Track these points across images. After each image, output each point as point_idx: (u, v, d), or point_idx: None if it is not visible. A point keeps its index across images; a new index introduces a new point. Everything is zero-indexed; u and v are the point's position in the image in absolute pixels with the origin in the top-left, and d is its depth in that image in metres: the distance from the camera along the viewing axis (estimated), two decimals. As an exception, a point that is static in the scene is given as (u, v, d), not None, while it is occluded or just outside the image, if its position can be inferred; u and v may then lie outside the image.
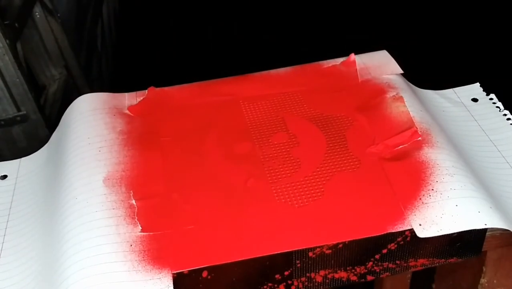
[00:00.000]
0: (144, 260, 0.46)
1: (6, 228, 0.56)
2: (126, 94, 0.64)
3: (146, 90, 0.64)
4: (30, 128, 1.04)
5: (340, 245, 0.47)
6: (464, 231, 0.48)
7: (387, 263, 0.49)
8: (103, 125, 0.59)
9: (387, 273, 0.50)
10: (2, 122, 1.02)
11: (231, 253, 0.46)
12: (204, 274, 0.46)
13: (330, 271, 0.48)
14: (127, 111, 0.61)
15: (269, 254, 0.46)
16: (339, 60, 0.68)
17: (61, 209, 0.52)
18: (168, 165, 0.55)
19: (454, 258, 0.50)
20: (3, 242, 0.55)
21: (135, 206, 0.51)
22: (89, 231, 0.48)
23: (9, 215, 0.58)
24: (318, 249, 0.47)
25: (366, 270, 0.49)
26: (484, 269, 0.57)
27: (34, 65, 1.20)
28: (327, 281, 0.49)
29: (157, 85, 0.65)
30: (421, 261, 0.50)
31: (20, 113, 1.03)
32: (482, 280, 0.58)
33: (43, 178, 0.60)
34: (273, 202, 0.51)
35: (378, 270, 0.49)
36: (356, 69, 0.66)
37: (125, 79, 1.65)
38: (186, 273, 0.45)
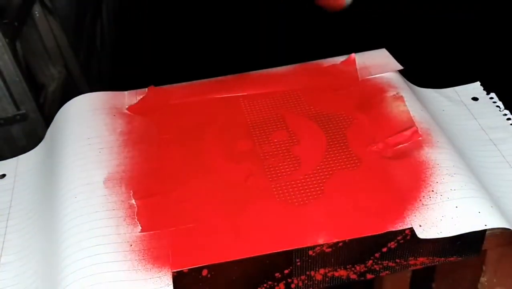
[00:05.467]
0: (144, 259, 0.46)
1: (6, 227, 0.56)
2: (125, 93, 0.64)
3: (146, 89, 0.64)
4: (30, 127, 1.04)
5: (340, 244, 0.47)
6: None
7: (387, 261, 0.49)
8: (103, 126, 0.59)
9: (387, 272, 0.50)
10: (2, 122, 1.02)
11: (231, 251, 0.46)
12: (204, 272, 0.46)
13: (330, 269, 0.48)
14: (126, 111, 0.61)
15: (269, 252, 0.46)
16: (339, 59, 0.67)
17: (62, 209, 0.52)
18: (168, 163, 0.55)
19: (454, 257, 0.50)
20: (3, 241, 0.55)
21: (135, 205, 0.50)
22: (89, 231, 0.48)
23: (9, 214, 0.58)
24: (318, 248, 0.47)
25: (366, 269, 0.49)
26: (484, 268, 0.57)
27: (33, 64, 1.20)
28: (326, 279, 0.49)
29: (157, 85, 0.65)
30: (421, 259, 0.50)
31: (20, 112, 1.03)
32: (482, 279, 0.58)
33: (42, 176, 0.60)
34: (273, 200, 0.51)
35: (378, 269, 0.49)
36: (356, 68, 0.66)
37: (124, 79, 1.65)
38: (186, 272, 0.45)
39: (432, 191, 0.50)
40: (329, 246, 0.47)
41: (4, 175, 0.62)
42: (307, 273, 0.48)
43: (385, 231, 0.47)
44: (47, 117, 1.09)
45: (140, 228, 0.49)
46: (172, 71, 1.68)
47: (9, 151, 1.04)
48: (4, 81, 1.00)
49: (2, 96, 1.01)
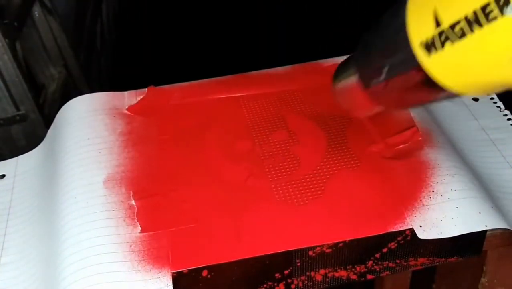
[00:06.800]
0: (143, 259, 0.46)
1: (6, 228, 0.56)
2: (125, 93, 0.63)
3: (146, 89, 0.63)
4: (30, 127, 1.04)
5: (341, 244, 0.47)
6: None
7: (387, 262, 0.49)
8: (103, 126, 0.59)
9: (387, 272, 0.50)
10: (2, 122, 1.02)
11: (231, 252, 0.46)
12: (204, 273, 0.45)
13: (330, 270, 0.48)
14: (126, 111, 0.61)
15: (269, 253, 0.46)
16: (340, 59, 0.67)
17: (62, 209, 0.52)
18: (168, 164, 0.55)
19: (455, 257, 0.50)
20: (3, 242, 0.55)
21: (135, 206, 0.50)
22: (88, 231, 0.48)
23: (8, 214, 0.57)
24: (318, 248, 0.47)
25: (366, 269, 0.49)
26: (484, 269, 0.57)
27: (33, 64, 1.20)
28: (327, 279, 0.49)
29: (157, 85, 0.64)
30: (421, 260, 0.50)
31: (20, 112, 1.03)
32: (483, 280, 0.58)
33: (42, 176, 0.60)
34: (273, 200, 0.50)
35: (378, 269, 0.49)
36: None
37: (124, 79, 1.65)
38: (186, 272, 0.45)
39: (433, 191, 0.50)
40: (329, 246, 0.47)
41: (3, 176, 0.62)
42: (307, 273, 0.48)
43: (385, 232, 0.47)
44: (47, 118, 1.09)
45: (140, 228, 0.48)
46: (172, 71, 1.68)
47: (9, 151, 1.04)
48: (4, 82, 1.00)
49: (2, 97, 1.01)
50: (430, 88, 0.36)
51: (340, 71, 0.47)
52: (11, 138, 1.04)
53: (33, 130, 1.05)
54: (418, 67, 0.35)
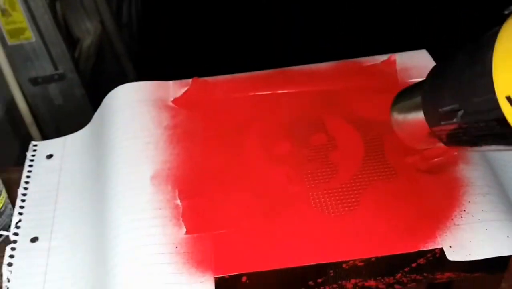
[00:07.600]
0: (188, 262, 0.49)
1: (55, 210, 0.59)
2: (170, 83, 0.65)
3: (190, 80, 0.65)
4: (66, 86, 1.07)
5: (373, 259, 0.49)
6: None
7: (415, 275, 0.52)
8: (149, 119, 0.60)
9: (414, 284, 0.52)
10: (40, 80, 1.05)
11: (269, 261, 0.49)
12: (243, 279, 0.48)
13: (360, 280, 0.51)
14: (171, 104, 0.63)
15: (305, 264, 0.49)
16: (379, 58, 0.67)
17: (111, 204, 0.54)
18: (210, 163, 0.57)
19: (480, 273, 0.52)
20: (52, 224, 0.57)
21: (180, 206, 0.53)
22: (136, 229, 0.51)
23: (57, 196, 0.60)
24: (351, 261, 0.49)
25: (395, 280, 0.52)
26: (504, 274, 0.59)
27: (70, 19, 1.21)
28: (356, 288, 0.52)
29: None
30: (447, 274, 0.52)
31: (58, 72, 1.05)
32: (503, 285, 0.60)
33: (89, 159, 0.62)
34: (309, 209, 0.53)
35: (405, 281, 0.52)
36: (396, 69, 0.66)
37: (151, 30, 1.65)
38: (227, 278, 0.48)
39: (464, 210, 0.52)
40: (362, 260, 0.49)
41: (51, 155, 0.64)
42: (339, 282, 0.51)
43: (417, 250, 0.49)
44: (82, 74, 1.11)
45: (185, 229, 0.51)
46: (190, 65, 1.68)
47: (46, 109, 1.07)
48: (44, 41, 1.02)
49: (41, 56, 1.03)
50: (510, 140, 0.33)
51: (403, 100, 0.45)
52: (49, 96, 1.06)
53: (70, 89, 1.07)
54: (500, 117, 0.32)
